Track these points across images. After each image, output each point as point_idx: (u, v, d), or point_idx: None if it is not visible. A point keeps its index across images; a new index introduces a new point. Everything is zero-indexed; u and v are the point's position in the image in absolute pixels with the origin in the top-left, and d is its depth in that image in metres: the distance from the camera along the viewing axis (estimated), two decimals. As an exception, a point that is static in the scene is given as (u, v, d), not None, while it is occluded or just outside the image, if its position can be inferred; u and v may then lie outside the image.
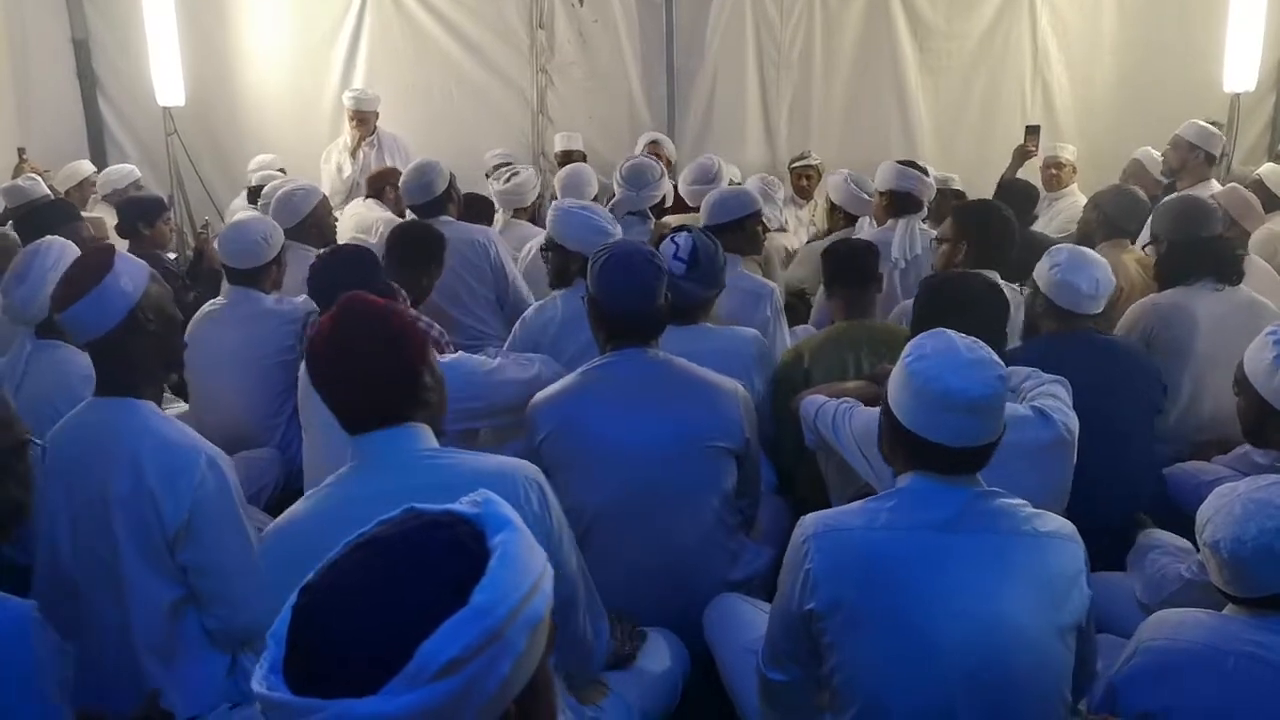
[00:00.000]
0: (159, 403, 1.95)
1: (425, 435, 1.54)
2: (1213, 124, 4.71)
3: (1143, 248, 3.04)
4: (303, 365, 2.47)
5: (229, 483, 1.88)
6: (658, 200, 3.83)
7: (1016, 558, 1.50)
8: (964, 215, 3.11)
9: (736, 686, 1.94)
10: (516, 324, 3.06)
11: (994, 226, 3.00)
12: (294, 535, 1.51)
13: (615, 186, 4.10)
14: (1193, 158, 4.35)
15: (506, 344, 3.03)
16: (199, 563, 1.85)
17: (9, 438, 1.57)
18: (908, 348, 1.59)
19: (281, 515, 1.57)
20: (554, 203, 3.41)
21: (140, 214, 3.99)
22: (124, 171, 5.16)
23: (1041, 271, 2.50)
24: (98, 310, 1.86)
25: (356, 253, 2.51)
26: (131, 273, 1.90)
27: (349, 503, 1.46)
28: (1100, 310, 2.49)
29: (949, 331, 1.61)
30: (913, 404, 1.53)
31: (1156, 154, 4.73)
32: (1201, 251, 2.93)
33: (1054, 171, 5.18)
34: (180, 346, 2.03)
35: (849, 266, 2.85)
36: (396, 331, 1.53)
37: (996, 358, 1.56)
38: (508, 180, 4.53)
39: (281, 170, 5.31)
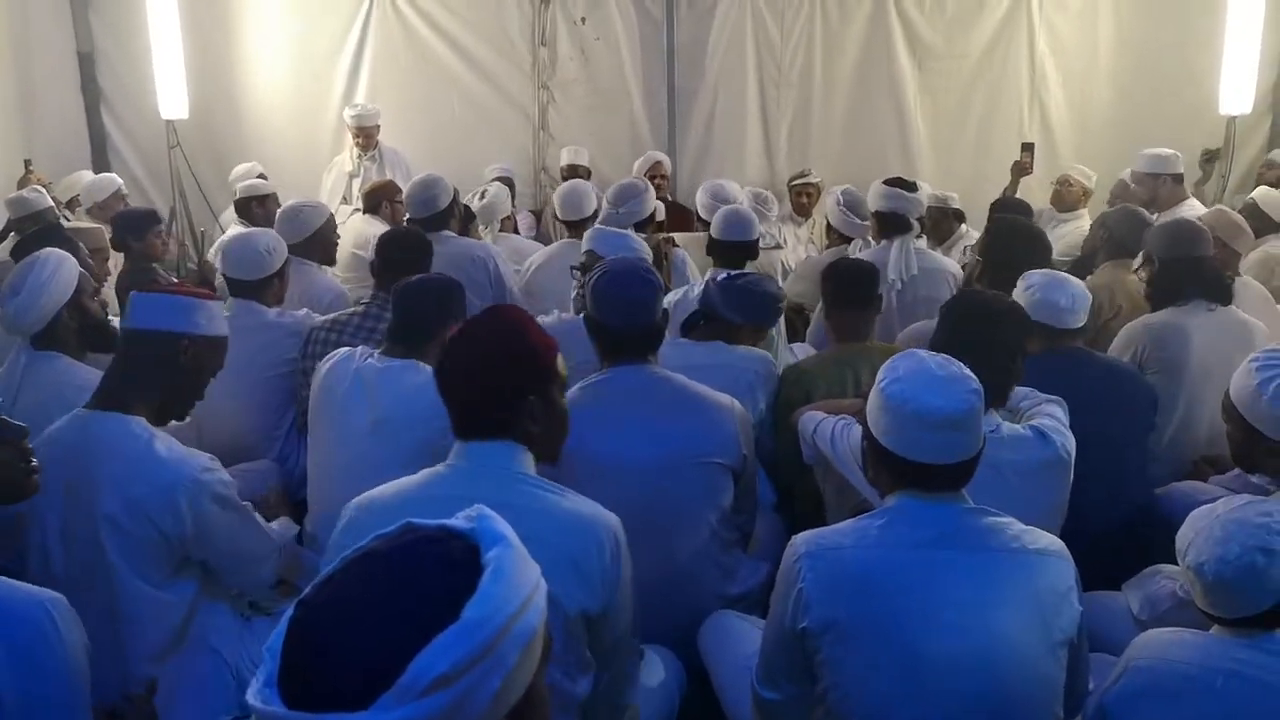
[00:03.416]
0: (151, 419, 1.97)
1: (525, 460, 1.57)
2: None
3: (1135, 270, 3.07)
4: (314, 378, 2.49)
5: (223, 480, 1.95)
6: (643, 217, 3.83)
7: (1006, 574, 1.51)
8: (989, 234, 3.23)
9: (732, 703, 1.95)
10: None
11: (1017, 247, 3.04)
12: (376, 514, 1.53)
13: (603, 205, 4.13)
14: (1160, 185, 4.36)
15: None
16: (216, 558, 1.97)
17: None
18: (881, 371, 1.62)
19: (372, 491, 1.60)
20: (595, 226, 3.46)
21: (129, 228, 3.97)
22: (105, 182, 5.03)
23: (1019, 294, 2.54)
24: (165, 308, 1.97)
25: (444, 285, 2.51)
26: (211, 317, 2.03)
27: (436, 500, 1.47)
28: (1082, 324, 2.53)
29: (920, 351, 1.64)
30: (891, 425, 1.55)
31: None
32: (1193, 271, 2.95)
33: (1059, 188, 5.15)
34: (188, 402, 2.08)
35: (849, 289, 2.82)
36: (512, 353, 1.56)
37: (969, 373, 1.58)
38: (482, 197, 4.62)
39: (262, 176, 5.32)
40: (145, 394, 1.95)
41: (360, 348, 2.46)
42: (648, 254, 3.10)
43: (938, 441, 1.52)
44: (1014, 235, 3.13)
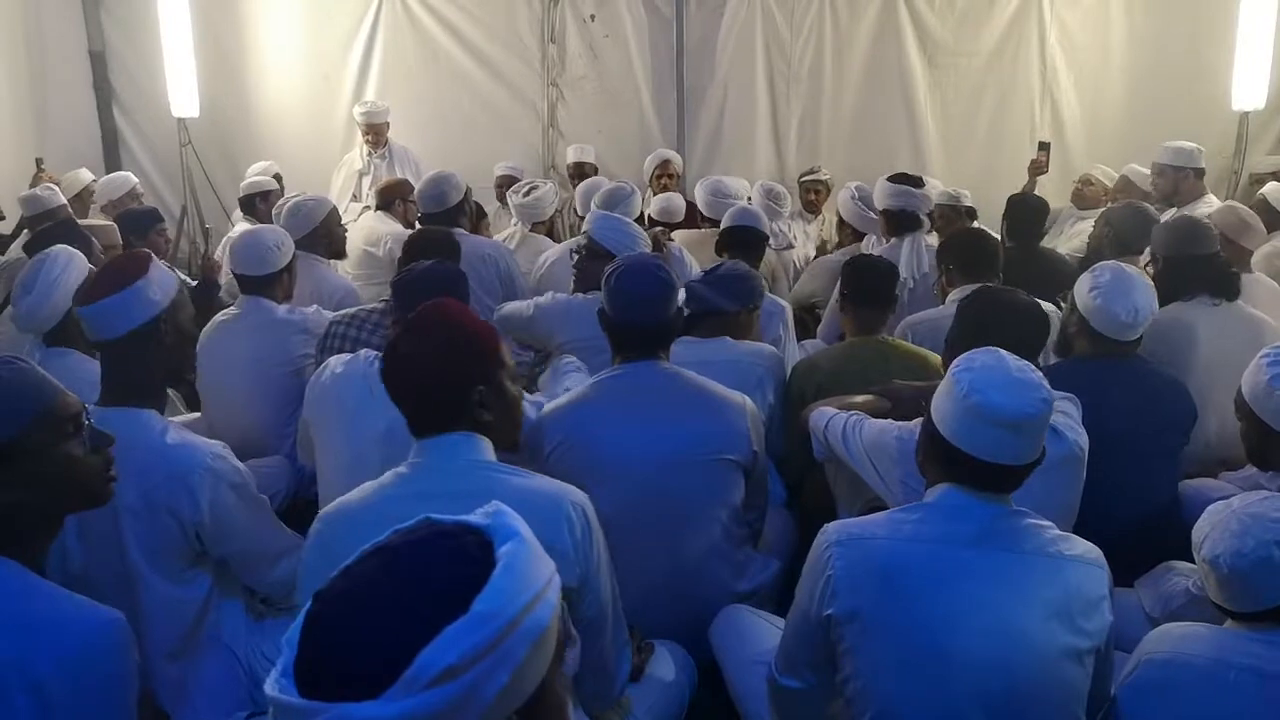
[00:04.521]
0: (161, 412, 1.98)
1: (483, 447, 1.58)
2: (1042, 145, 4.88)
3: (1144, 265, 3.06)
4: (317, 378, 2.49)
5: (238, 468, 1.96)
6: (632, 219, 3.89)
7: (1038, 578, 1.51)
8: (947, 242, 3.29)
9: (744, 699, 1.95)
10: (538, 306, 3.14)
11: (966, 249, 3.11)
12: (342, 524, 1.55)
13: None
14: (1181, 178, 4.34)
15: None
16: (236, 550, 1.96)
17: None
18: (958, 359, 1.61)
19: (334, 502, 1.62)
20: (594, 211, 3.50)
21: (132, 227, 4.00)
22: (120, 180, 5.10)
23: (1081, 290, 2.46)
24: (120, 311, 1.90)
25: (443, 276, 2.45)
26: (162, 282, 1.95)
27: (398, 500, 1.51)
28: (1138, 336, 2.44)
29: (1001, 350, 1.62)
30: (954, 413, 1.54)
31: (1145, 170, 4.73)
32: (1198, 269, 2.94)
33: (1080, 187, 5.15)
34: (189, 363, 2.09)
35: (869, 287, 2.81)
36: (454, 345, 1.57)
37: (1045, 382, 1.57)
38: (527, 194, 4.57)
39: (276, 176, 5.34)
40: (148, 385, 1.96)
41: (364, 351, 2.44)
42: (646, 241, 3.17)
43: (994, 439, 1.51)
44: (977, 241, 3.18)
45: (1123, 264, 2.56)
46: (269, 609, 2.13)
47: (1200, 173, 4.39)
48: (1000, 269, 3.08)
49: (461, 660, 0.71)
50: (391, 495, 1.54)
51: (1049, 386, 1.57)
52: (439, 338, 1.57)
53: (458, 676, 0.71)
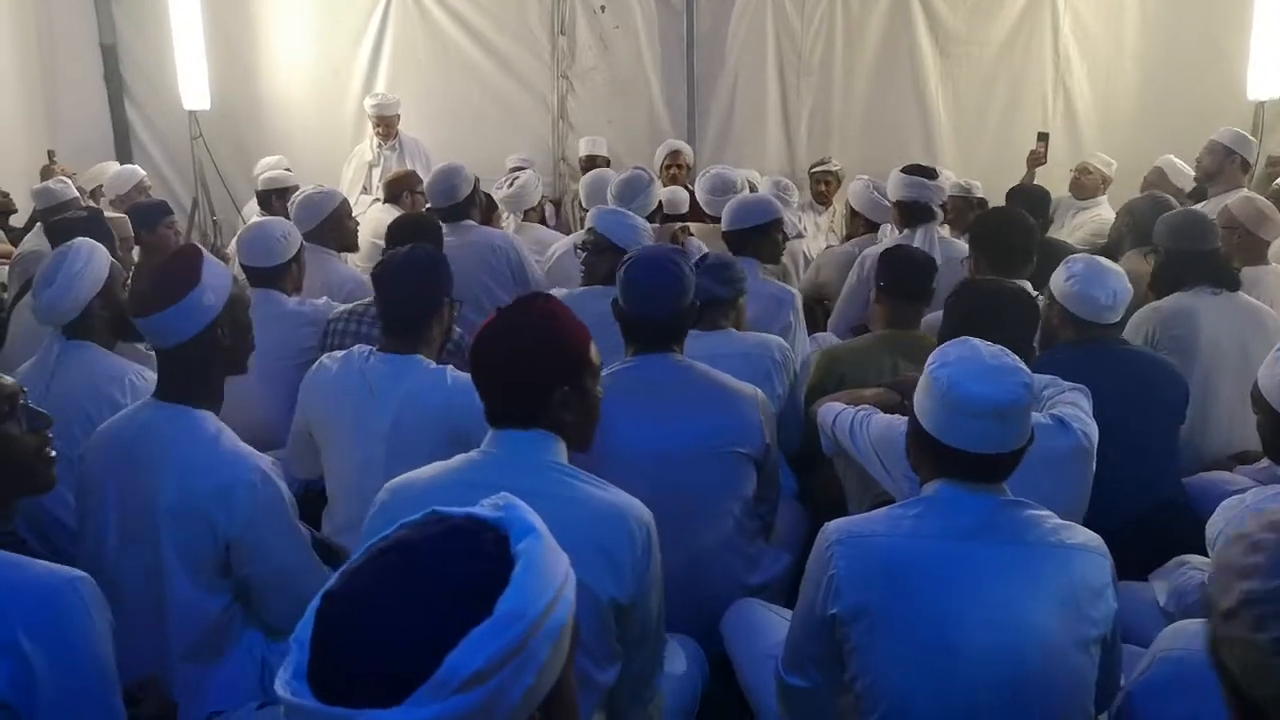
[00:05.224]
0: (218, 410, 1.95)
1: (558, 448, 1.58)
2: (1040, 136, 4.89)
3: (1144, 256, 3.06)
4: (313, 377, 2.48)
5: (282, 492, 1.89)
6: (650, 210, 3.87)
7: (1042, 568, 1.50)
8: (976, 226, 3.22)
9: (755, 692, 1.95)
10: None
11: (1007, 235, 3.05)
12: (408, 499, 1.55)
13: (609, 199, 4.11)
14: (1229, 162, 4.34)
15: None
16: (261, 574, 1.88)
17: None
18: (932, 355, 1.61)
19: (404, 476, 1.63)
20: (598, 206, 3.48)
21: (141, 220, 3.98)
22: (127, 174, 5.08)
23: (1057, 282, 2.50)
24: (178, 323, 1.86)
25: (422, 262, 2.40)
26: (216, 286, 1.90)
27: (466, 486, 1.48)
28: (1118, 319, 2.50)
29: (974, 339, 1.62)
30: (936, 409, 1.54)
31: (1179, 162, 4.69)
32: (1199, 263, 2.98)
33: (1078, 176, 5.11)
34: (247, 352, 2.03)
35: (910, 279, 2.79)
36: (542, 342, 1.57)
37: (1023, 365, 1.57)
38: (510, 185, 4.59)
39: (287, 169, 5.34)
40: (203, 386, 1.93)
41: (357, 347, 2.41)
42: (650, 234, 3.15)
43: (980, 430, 1.50)
44: (1008, 228, 3.13)
45: (1094, 255, 2.63)
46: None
47: (1246, 165, 4.40)
48: (1034, 259, 3.03)
49: (489, 664, 0.69)
50: (459, 480, 1.54)
51: (1027, 370, 1.57)
52: (530, 335, 1.57)
53: (486, 680, 0.69)
